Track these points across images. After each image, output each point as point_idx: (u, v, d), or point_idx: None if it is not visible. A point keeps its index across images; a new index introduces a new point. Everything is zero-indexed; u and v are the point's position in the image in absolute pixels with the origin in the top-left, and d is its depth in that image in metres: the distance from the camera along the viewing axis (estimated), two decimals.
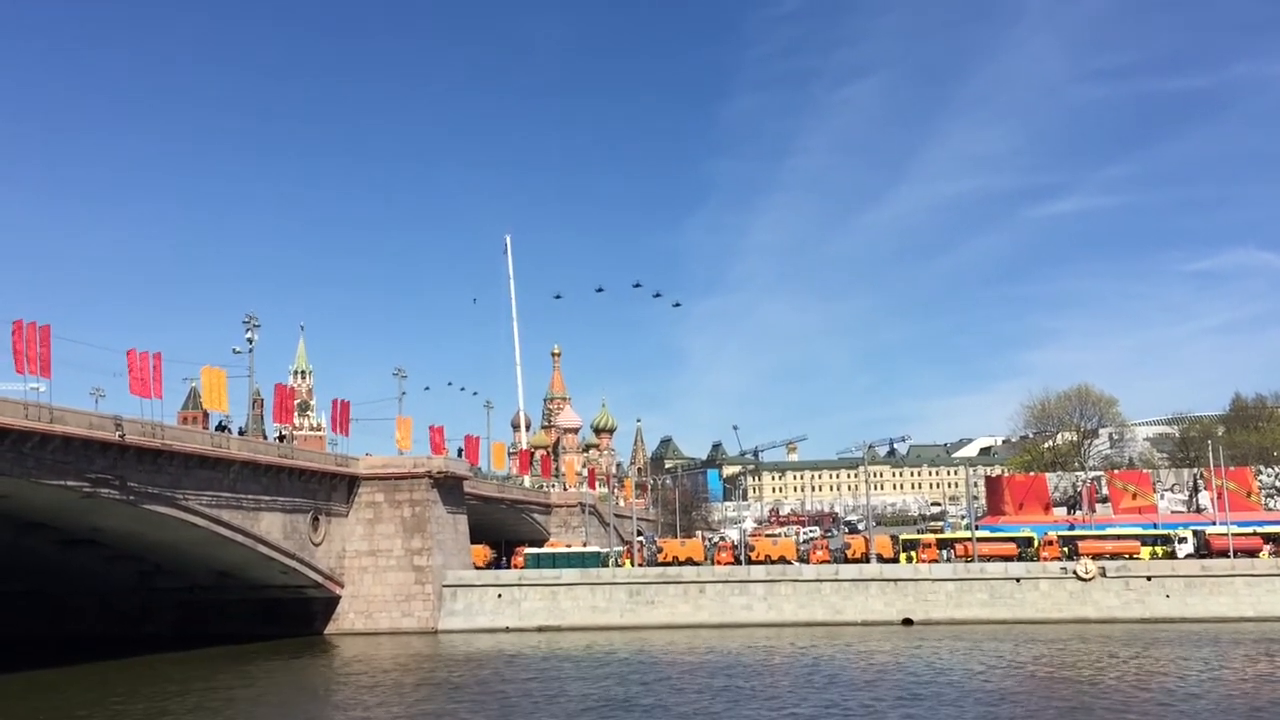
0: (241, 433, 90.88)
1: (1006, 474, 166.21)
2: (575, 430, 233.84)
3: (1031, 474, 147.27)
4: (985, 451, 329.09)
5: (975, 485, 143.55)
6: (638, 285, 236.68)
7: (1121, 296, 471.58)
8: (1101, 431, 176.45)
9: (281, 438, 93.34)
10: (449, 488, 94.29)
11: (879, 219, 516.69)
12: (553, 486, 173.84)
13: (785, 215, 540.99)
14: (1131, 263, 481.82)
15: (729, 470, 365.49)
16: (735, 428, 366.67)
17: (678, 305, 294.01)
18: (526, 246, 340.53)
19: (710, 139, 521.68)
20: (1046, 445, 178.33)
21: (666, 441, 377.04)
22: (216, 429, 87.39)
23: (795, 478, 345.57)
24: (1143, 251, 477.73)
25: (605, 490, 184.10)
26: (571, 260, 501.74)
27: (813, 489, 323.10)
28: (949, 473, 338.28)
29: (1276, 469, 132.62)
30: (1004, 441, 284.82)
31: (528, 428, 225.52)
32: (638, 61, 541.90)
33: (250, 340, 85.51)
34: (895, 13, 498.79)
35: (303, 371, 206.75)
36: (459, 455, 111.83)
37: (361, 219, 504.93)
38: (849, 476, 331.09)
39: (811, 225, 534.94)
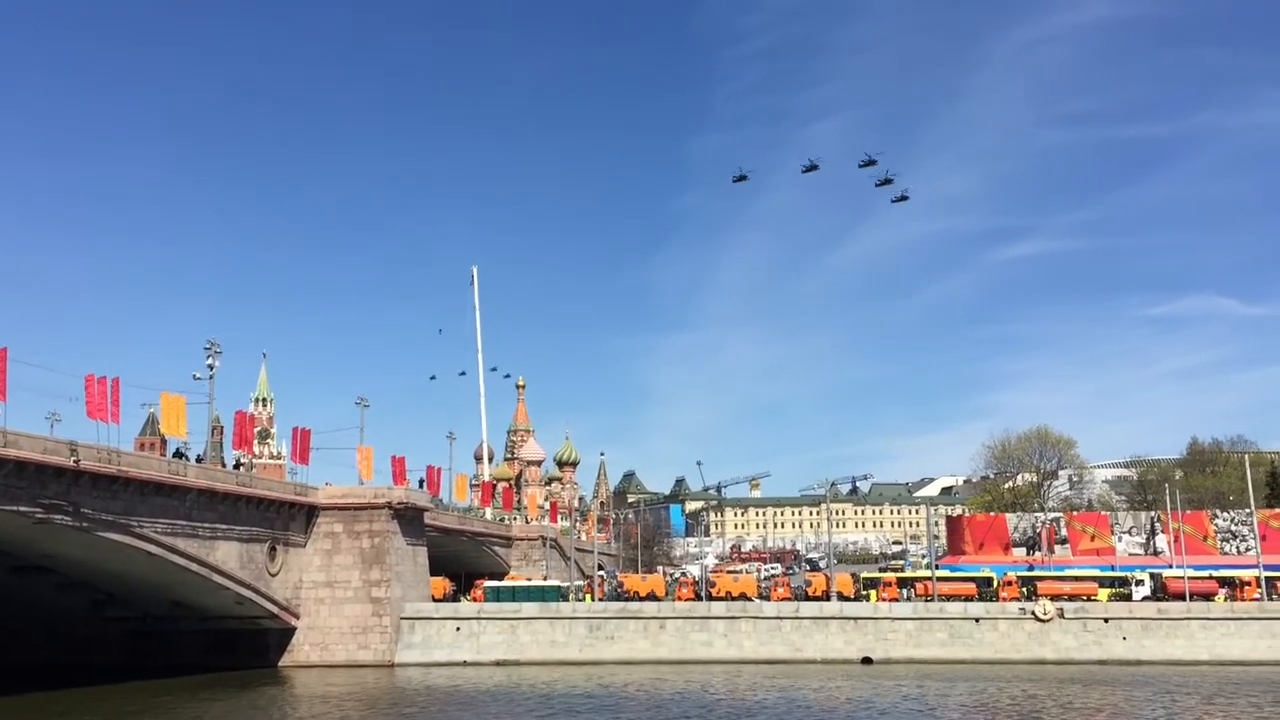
0: (199, 460, 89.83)
1: (967, 514, 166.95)
2: (538, 463, 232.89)
3: (992, 514, 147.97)
4: (947, 491, 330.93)
5: (936, 524, 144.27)
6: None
7: (1083, 340, 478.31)
8: (1061, 473, 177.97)
9: (240, 465, 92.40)
10: (409, 519, 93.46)
11: (846, 258, 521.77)
12: (514, 519, 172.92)
13: (753, 253, 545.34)
14: (1093, 306, 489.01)
15: (692, 506, 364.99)
16: (699, 463, 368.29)
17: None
18: (494, 279, 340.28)
19: (679, 175, 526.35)
20: (1007, 486, 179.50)
21: (630, 476, 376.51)
22: (174, 456, 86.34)
23: (758, 514, 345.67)
24: (1104, 295, 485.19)
25: (567, 524, 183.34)
26: (539, 293, 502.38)
27: (775, 526, 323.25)
28: (911, 511, 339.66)
29: (1232, 513, 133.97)
30: (965, 481, 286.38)
31: (491, 459, 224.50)
32: (608, 97, 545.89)
33: (211, 366, 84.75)
34: (864, 54, 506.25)
35: (264, 399, 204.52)
36: (420, 486, 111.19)
37: (329, 247, 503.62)
38: (811, 514, 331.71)
39: (779, 263, 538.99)
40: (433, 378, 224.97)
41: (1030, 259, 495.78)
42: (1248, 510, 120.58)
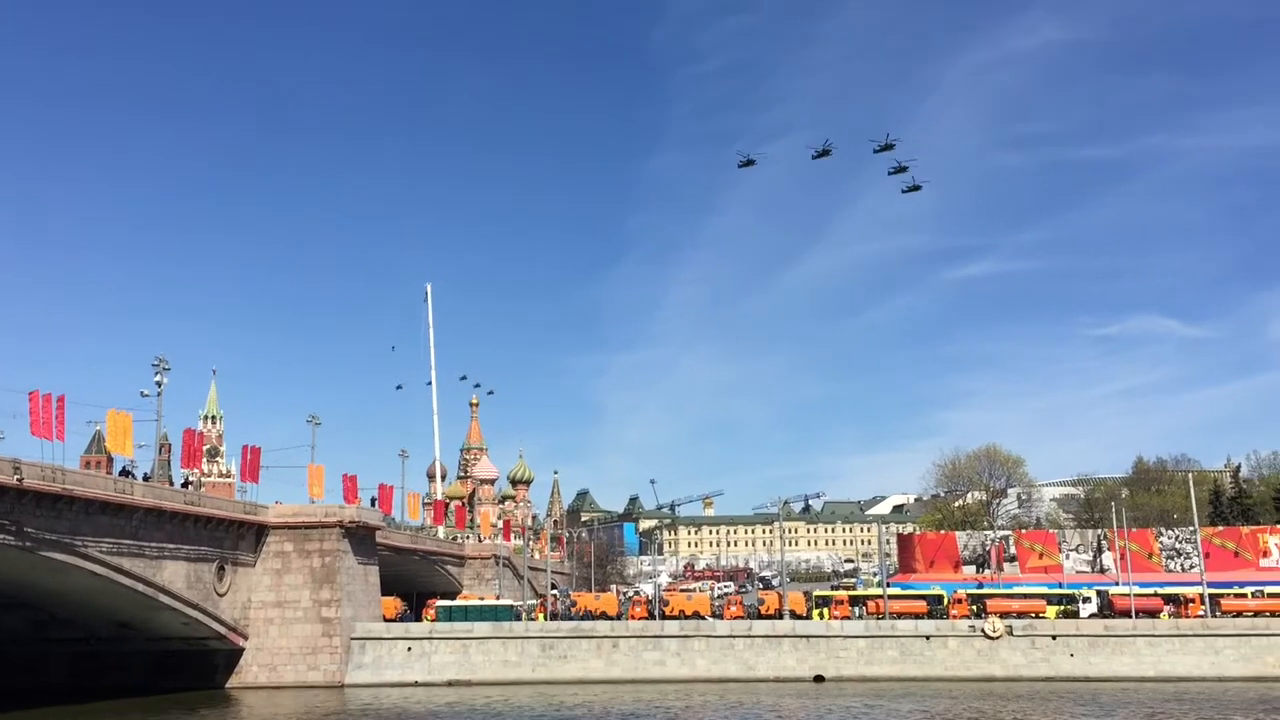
0: (147, 478, 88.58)
1: (918, 532, 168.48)
2: (492, 481, 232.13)
3: (942, 532, 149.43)
4: (898, 509, 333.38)
5: (888, 542, 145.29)
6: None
7: (1033, 359, 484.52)
8: (1010, 491, 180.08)
9: (188, 484, 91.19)
10: (361, 538, 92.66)
11: (799, 277, 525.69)
12: (467, 538, 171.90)
13: (707, 272, 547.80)
14: (1041, 326, 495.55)
15: (645, 524, 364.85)
16: (652, 481, 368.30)
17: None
18: (448, 297, 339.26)
19: (633, 194, 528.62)
20: (957, 504, 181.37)
21: (583, 494, 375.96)
22: (120, 474, 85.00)
23: (711, 533, 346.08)
24: (1052, 316, 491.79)
25: (520, 542, 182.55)
26: (494, 312, 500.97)
27: (728, 544, 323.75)
28: (863, 530, 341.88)
29: (1176, 531, 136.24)
30: (916, 499, 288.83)
31: (444, 478, 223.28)
32: (563, 116, 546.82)
33: (159, 383, 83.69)
34: (816, 76, 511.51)
35: (213, 417, 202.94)
36: (372, 505, 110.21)
37: (282, 263, 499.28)
38: (764, 532, 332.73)
39: (733, 282, 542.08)
40: (399, 387, 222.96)
41: (980, 279, 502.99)
42: (1192, 528, 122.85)
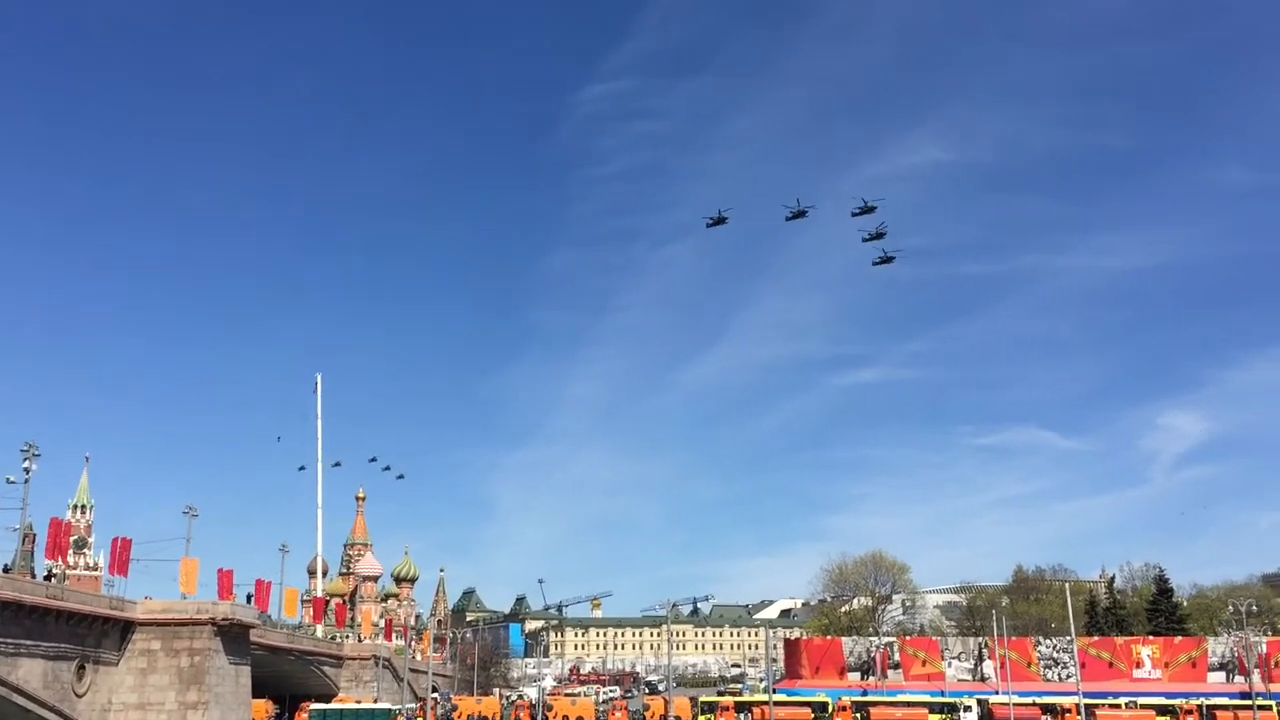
0: (7, 570, 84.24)
1: (805, 637, 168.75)
2: (375, 578, 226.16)
3: (829, 638, 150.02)
4: (786, 613, 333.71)
5: (775, 647, 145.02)
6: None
7: (918, 466, 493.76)
8: (895, 597, 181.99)
9: (51, 576, 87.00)
10: (233, 636, 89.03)
11: (695, 378, 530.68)
12: (346, 637, 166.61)
13: (605, 369, 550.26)
14: (928, 433, 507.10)
15: (532, 625, 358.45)
16: (541, 581, 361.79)
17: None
18: (339, 387, 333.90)
19: (535, 290, 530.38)
20: (844, 609, 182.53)
21: (469, 593, 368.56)
22: None
23: (599, 634, 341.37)
24: (938, 423, 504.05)
25: (402, 643, 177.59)
26: (385, 403, 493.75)
27: (616, 646, 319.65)
28: (750, 634, 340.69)
29: (1054, 640, 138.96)
30: (804, 604, 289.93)
31: (325, 574, 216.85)
32: (464, 211, 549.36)
33: (27, 470, 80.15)
34: (715, 179, 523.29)
35: (83, 506, 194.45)
36: (248, 601, 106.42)
37: (163, 346, 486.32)
38: (652, 634, 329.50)
39: (630, 380, 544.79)
40: (302, 468, 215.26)
41: (872, 386, 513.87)
42: (1069, 638, 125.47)
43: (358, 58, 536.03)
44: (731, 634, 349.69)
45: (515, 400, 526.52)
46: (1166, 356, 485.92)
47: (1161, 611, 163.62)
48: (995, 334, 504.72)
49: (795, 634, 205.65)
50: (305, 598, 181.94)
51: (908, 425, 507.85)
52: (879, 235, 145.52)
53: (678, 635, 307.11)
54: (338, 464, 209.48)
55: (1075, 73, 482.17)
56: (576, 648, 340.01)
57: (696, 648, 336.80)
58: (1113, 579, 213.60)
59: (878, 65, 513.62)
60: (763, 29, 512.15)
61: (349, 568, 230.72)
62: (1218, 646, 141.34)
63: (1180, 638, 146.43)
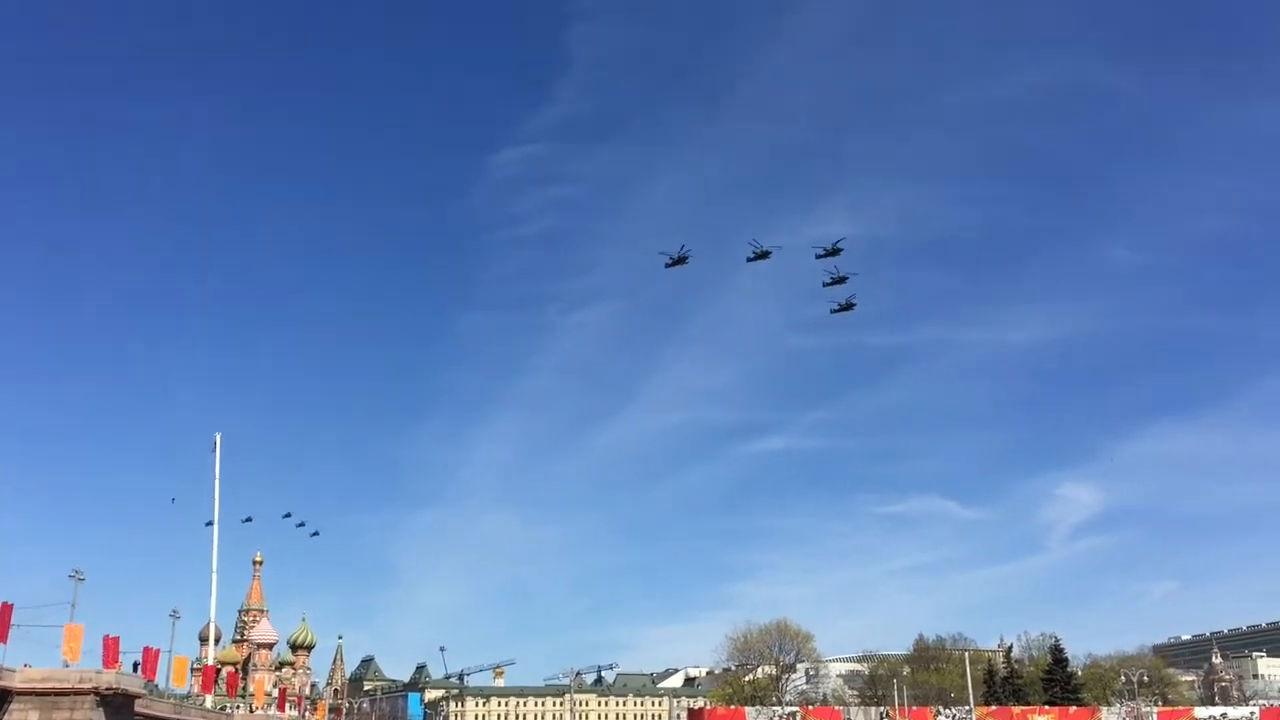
0: None
1: (709, 707, 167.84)
2: (270, 645, 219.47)
3: (733, 707, 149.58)
4: (690, 682, 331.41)
5: (679, 717, 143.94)
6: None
7: (822, 534, 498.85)
8: (799, 666, 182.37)
9: None
10: (117, 706, 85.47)
11: (603, 442, 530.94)
12: (237, 708, 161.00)
13: (512, 432, 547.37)
14: (832, 502, 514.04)
15: (432, 694, 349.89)
16: (442, 649, 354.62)
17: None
18: (238, 447, 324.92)
19: (444, 351, 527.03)
20: (748, 678, 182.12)
21: (368, 661, 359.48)
22: None
23: (500, 704, 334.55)
24: (842, 492, 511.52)
25: (296, 713, 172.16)
26: (285, 464, 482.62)
27: (518, 716, 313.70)
28: (654, 703, 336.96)
29: (954, 710, 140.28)
30: (708, 673, 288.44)
31: (218, 641, 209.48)
32: (374, 271, 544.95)
33: None
34: (626, 247, 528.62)
35: None
36: (135, 670, 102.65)
37: (53, 403, 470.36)
38: (555, 704, 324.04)
39: (537, 444, 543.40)
40: (209, 523, 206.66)
41: (777, 454, 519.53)
42: (967, 707, 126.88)
43: (271, 109, 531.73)
44: (636, 703, 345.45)
45: (422, 461, 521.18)
46: (1064, 428, 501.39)
47: (1057, 681, 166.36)
48: (898, 404, 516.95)
49: (699, 703, 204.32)
50: (196, 666, 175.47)
51: (813, 493, 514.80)
52: (842, 279, 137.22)
53: (581, 704, 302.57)
54: (248, 519, 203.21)
55: (977, 152, 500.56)
56: (478, 718, 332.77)
57: (600, 717, 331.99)
58: (1010, 648, 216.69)
59: (789, 140, 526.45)
60: (679, 103, 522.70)
61: (243, 634, 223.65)
62: (1110, 716, 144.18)
63: (1075, 707, 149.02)
